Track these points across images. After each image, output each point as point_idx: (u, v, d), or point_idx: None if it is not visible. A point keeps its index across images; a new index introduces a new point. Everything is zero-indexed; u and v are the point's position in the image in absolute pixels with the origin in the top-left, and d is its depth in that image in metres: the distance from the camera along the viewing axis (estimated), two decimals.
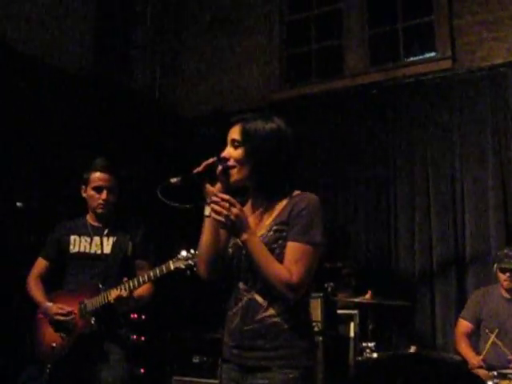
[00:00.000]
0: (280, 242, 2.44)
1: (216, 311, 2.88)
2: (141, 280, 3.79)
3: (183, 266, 3.65)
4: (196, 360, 5.60)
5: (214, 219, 2.36)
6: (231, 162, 2.50)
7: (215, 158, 2.47)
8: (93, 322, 3.83)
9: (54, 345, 3.83)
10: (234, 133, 2.55)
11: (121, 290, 3.73)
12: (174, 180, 2.39)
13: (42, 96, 5.72)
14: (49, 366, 3.81)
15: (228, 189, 2.48)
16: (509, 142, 5.77)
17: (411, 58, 6.74)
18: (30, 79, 5.65)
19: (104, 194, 4.03)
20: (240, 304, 2.51)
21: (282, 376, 2.38)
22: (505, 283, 4.73)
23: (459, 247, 5.83)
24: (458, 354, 4.90)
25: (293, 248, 2.40)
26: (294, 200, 2.49)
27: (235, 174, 2.50)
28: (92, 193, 4.05)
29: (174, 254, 3.69)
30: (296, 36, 7.47)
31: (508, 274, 4.69)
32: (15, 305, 4.72)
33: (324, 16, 7.34)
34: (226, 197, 2.34)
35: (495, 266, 4.80)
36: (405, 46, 6.76)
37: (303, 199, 2.49)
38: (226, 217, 2.33)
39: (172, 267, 3.69)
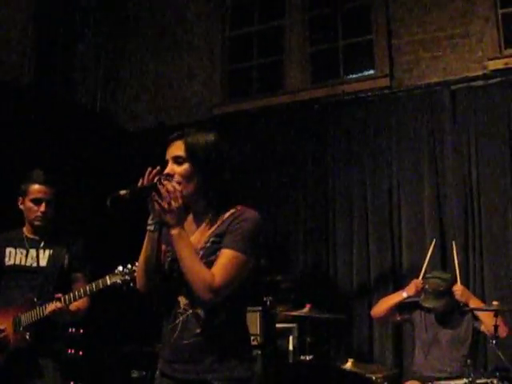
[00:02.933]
0: (217, 253, 2.44)
1: (153, 325, 2.85)
2: (77, 294, 3.76)
3: (120, 281, 3.64)
4: (135, 374, 5.55)
5: (157, 202, 2.37)
6: (176, 178, 2.48)
7: (158, 177, 2.45)
8: (27, 336, 3.79)
9: None
10: (176, 149, 2.54)
11: (59, 306, 3.69)
12: (123, 192, 2.37)
13: None
14: None
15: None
16: (444, 158, 5.86)
17: (351, 76, 6.82)
18: None
19: (42, 207, 3.99)
20: (180, 318, 2.49)
21: None
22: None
23: (396, 260, 5.89)
24: (377, 315, 5.01)
25: (222, 254, 2.42)
26: (233, 213, 2.51)
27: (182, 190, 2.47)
28: (30, 205, 4.00)
29: (110, 269, 3.67)
30: (237, 51, 7.50)
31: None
32: None
33: (265, 32, 7.40)
34: (179, 188, 2.40)
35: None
36: (345, 63, 6.84)
37: (243, 213, 2.51)
38: (170, 204, 2.36)
39: (108, 282, 3.69)
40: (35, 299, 3.83)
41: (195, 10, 7.59)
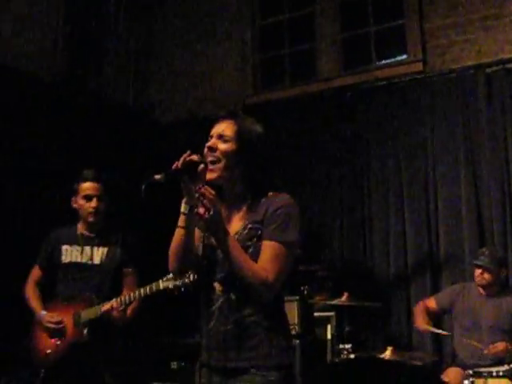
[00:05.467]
0: (254, 239, 2.44)
1: (191, 316, 2.87)
2: (132, 297, 4.02)
3: (171, 286, 3.80)
4: (174, 366, 5.61)
5: (197, 212, 2.33)
6: (217, 154, 2.48)
7: (199, 156, 2.43)
8: (85, 332, 4.07)
9: (48, 351, 4.05)
10: (225, 127, 2.53)
11: (114, 305, 3.98)
12: (157, 177, 2.35)
13: (17, 103, 5.73)
14: (43, 371, 4.04)
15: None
16: (480, 143, 5.81)
17: (383, 61, 6.79)
18: (3, 87, 5.63)
19: (94, 202, 4.21)
20: (216, 305, 2.49)
21: (261, 379, 2.39)
22: (477, 279, 4.87)
23: (433, 249, 5.87)
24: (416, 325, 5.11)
25: (268, 247, 2.41)
26: (270, 200, 2.50)
27: (219, 170, 2.47)
28: (82, 202, 4.24)
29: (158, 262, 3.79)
30: (269, 40, 7.48)
31: (480, 271, 4.84)
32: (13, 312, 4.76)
33: (296, 20, 7.36)
34: (213, 192, 2.33)
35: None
36: (376, 49, 6.79)
37: (279, 199, 2.50)
38: (209, 212, 2.30)
39: (161, 286, 3.88)
40: (94, 297, 4.10)
41: (225, 0, 7.58)
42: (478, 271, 4.88)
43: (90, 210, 4.21)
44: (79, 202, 4.25)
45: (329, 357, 5.15)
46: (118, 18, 7.47)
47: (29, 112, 5.81)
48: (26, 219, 5.45)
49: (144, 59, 7.82)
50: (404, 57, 6.58)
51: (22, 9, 6.19)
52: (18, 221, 5.40)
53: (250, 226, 2.48)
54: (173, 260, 2.56)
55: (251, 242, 2.45)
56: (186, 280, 3.53)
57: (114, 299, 4.01)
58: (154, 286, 3.92)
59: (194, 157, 2.41)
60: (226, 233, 2.38)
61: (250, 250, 2.43)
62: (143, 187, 2.34)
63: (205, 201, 2.29)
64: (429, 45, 6.29)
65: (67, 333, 4.08)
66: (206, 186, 2.34)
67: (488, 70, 5.90)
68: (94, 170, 4.32)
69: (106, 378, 4.07)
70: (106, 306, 3.98)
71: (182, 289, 3.62)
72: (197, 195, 2.32)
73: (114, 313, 4.00)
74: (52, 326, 4.06)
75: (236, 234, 2.47)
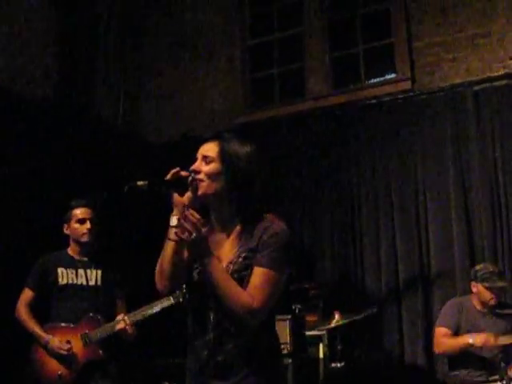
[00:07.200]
0: (250, 269, 2.44)
1: (182, 338, 2.88)
2: (139, 315, 4.33)
3: (166, 305, 4.26)
4: None
5: (179, 236, 2.35)
6: (201, 176, 2.49)
7: (187, 172, 2.46)
8: (100, 349, 4.34)
9: (60, 372, 4.24)
10: (208, 149, 2.55)
11: (126, 324, 4.28)
12: (140, 183, 2.38)
13: (6, 123, 5.75)
14: None
15: (196, 202, 2.49)
16: (470, 160, 5.89)
17: (372, 80, 6.89)
18: None
19: (87, 224, 4.47)
20: (211, 334, 2.49)
21: None
22: (491, 301, 4.78)
23: (424, 262, 5.94)
24: (444, 354, 4.95)
25: (257, 273, 2.42)
26: (263, 226, 2.50)
27: (204, 187, 2.48)
28: (76, 225, 4.49)
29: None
30: (258, 59, 7.56)
31: (495, 292, 4.78)
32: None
33: (285, 39, 7.45)
34: (197, 216, 2.34)
35: (476, 283, 4.84)
36: (365, 68, 6.89)
37: (272, 227, 2.50)
38: (192, 236, 2.32)
39: (165, 304, 4.27)
40: (95, 315, 4.36)
41: (214, 20, 7.63)
42: (491, 294, 4.80)
43: (85, 230, 4.45)
44: (73, 226, 4.49)
45: (321, 376, 5.14)
46: (108, 39, 7.55)
47: (19, 133, 5.84)
48: (12, 244, 5.50)
49: (134, 79, 7.88)
50: (393, 75, 6.67)
51: (13, 29, 6.26)
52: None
53: (244, 254, 2.47)
54: (161, 277, 2.55)
55: (247, 271, 2.45)
56: (181, 299, 3.85)
57: (120, 317, 4.32)
58: (159, 304, 4.28)
59: (183, 173, 2.45)
60: (210, 257, 2.39)
61: (246, 279, 2.43)
62: (125, 189, 2.39)
63: (186, 224, 2.32)
64: (417, 63, 6.37)
65: (78, 353, 4.29)
66: (190, 211, 2.36)
67: (476, 88, 5.98)
68: (81, 198, 4.60)
69: None
70: (120, 325, 4.27)
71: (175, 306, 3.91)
72: (181, 219, 2.35)
73: (128, 330, 4.28)
74: (64, 352, 4.25)
75: (231, 263, 2.47)
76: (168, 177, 2.44)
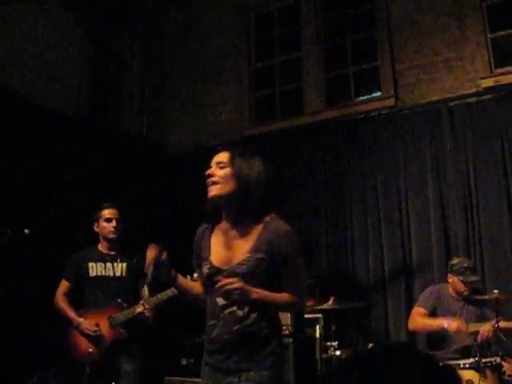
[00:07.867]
0: (261, 267, 2.63)
1: (199, 319, 3.11)
2: (157, 299, 4.63)
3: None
4: (183, 362, 5.85)
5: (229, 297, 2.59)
6: (215, 178, 2.69)
7: (156, 253, 2.73)
8: (123, 330, 4.67)
9: (91, 350, 4.61)
10: (221, 156, 2.74)
11: (144, 308, 4.60)
12: (149, 277, 2.72)
13: (44, 135, 6.06)
14: (88, 366, 4.59)
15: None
16: (446, 167, 6.18)
17: (361, 98, 7.15)
18: (31, 124, 5.94)
19: (114, 222, 4.88)
20: (220, 317, 2.66)
21: (258, 376, 2.62)
22: (465, 292, 5.04)
23: (406, 257, 6.22)
24: (415, 330, 5.23)
25: (289, 274, 2.70)
26: (270, 228, 2.68)
27: (218, 189, 2.67)
28: (104, 224, 4.88)
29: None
30: (262, 80, 7.87)
31: (468, 285, 5.03)
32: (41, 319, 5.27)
33: (285, 63, 7.77)
34: (229, 280, 2.57)
35: (452, 275, 5.07)
36: (355, 87, 7.19)
37: (280, 231, 2.68)
38: (235, 294, 2.57)
39: (176, 292, 4.41)
40: (120, 301, 4.71)
41: (225, 46, 8.00)
42: (464, 287, 5.04)
43: (111, 228, 4.85)
44: (101, 225, 4.88)
45: (318, 353, 5.44)
46: (134, 62, 7.80)
47: (52, 146, 6.10)
48: (48, 244, 5.75)
49: (156, 97, 8.11)
50: (378, 93, 6.94)
51: (53, 56, 6.58)
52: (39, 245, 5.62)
53: (254, 254, 2.64)
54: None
55: (259, 269, 2.62)
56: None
57: (141, 302, 4.64)
58: (172, 290, 4.51)
59: (151, 254, 2.74)
60: (255, 293, 2.60)
61: (259, 276, 2.62)
62: (146, 282, 2.77)
63: (223, 291, 2.56)
64: (400, 83, 6.70)
65: (105, 333, 4.64)
66: (222, 280, 2.59)
67: (451, 104, 6.31)
68: (109, 201, 4.94)
69: (126, 368, 4.67)
70: (139, 309, 4.61)
71: None
72: (219, 290, 2.58)
73: (146, 313, 4.63)
74: (91, 333, 4.61)
75: (242, 261, 2.65)
76: (147, 267, 2.71)
